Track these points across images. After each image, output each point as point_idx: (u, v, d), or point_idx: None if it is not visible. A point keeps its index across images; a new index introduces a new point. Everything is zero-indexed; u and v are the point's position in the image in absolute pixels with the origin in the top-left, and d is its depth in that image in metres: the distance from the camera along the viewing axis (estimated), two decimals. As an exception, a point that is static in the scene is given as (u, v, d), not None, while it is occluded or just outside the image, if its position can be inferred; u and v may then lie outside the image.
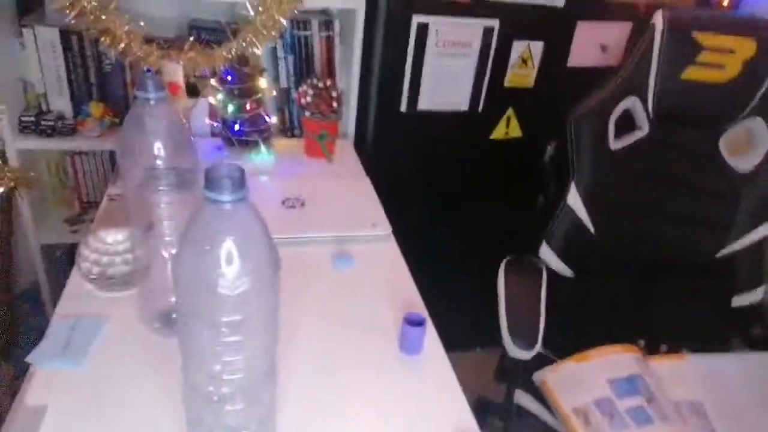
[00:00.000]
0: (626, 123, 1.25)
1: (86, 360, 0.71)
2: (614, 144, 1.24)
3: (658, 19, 1.15)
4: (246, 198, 0.47)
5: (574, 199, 1.24)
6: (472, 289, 1.51)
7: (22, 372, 1.40)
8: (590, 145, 1.23)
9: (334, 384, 0.72)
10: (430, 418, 0.68)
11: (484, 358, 1.34)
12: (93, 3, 1.16)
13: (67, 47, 1.37)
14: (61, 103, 1.43)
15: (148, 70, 0.68)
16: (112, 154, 1.54)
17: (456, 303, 1.58)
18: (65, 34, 1.36)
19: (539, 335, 1.04)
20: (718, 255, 1.22)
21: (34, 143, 1.37)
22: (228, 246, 0.46)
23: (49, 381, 0.67)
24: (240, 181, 0.46)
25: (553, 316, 1.08)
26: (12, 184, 1.34)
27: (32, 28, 1.34)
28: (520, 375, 1.11)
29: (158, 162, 0.69)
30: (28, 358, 0.70)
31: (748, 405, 1.02)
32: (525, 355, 1.02)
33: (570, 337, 1.11)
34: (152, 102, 0.66)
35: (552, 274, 1.23)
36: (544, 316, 1.07)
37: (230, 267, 0.46)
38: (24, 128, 1.37)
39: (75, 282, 0.84)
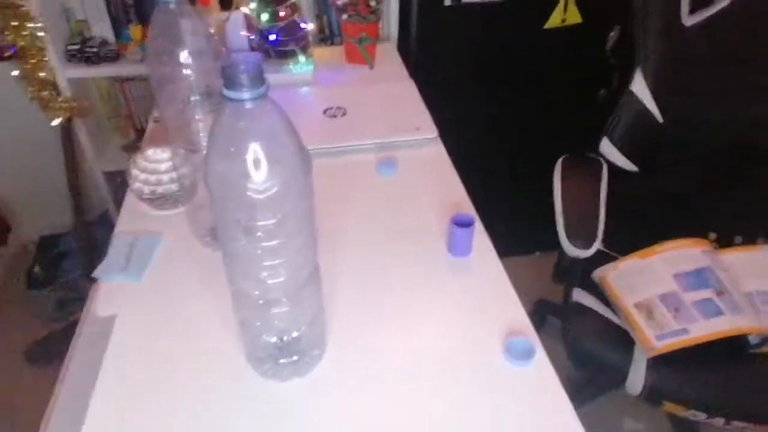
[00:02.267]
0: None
1: (146, 274, 0.74)
2: (688, 19, 1.10)
3: None
4: (266, 94, 0.44)
5: (639, 85, 1.12)
6: (527, 192, 1.45)
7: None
8: (661, 21, 1.09)
9: (383, 287, 0.72)
10: (483, 318, 0.67)
11: (543, 262, 1.31)
12: None
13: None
14: (102, 28, 1.43)
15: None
16: (157, 78, 1.54)
17: (511, 208, 1.54)
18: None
19: (598, 232, 0.99)
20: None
21: (82, 71, 1.39)
22: (253, 147, 0.44)
23: (115, 294, 0.71)
24: (258, 76, 0.43)
25: (616, 213, 1.02)
26: (68, 114, 1.39)
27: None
28: (578, 273, 1.07)
29: (187, 72, 0.66)
30: (95, 273, 0.74)
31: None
32: (583, 253, 0.98)
33: (634, 235, 1.05)
34: (172, 5, 0.63)
35: (614, 169, 1.15)
36: (604, 213, 1.02)
37: (257, 168, 0.45)
38: (71, 57, 1.38)
39: (129, 202, 0.87)
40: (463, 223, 0.75)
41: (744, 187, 1.12)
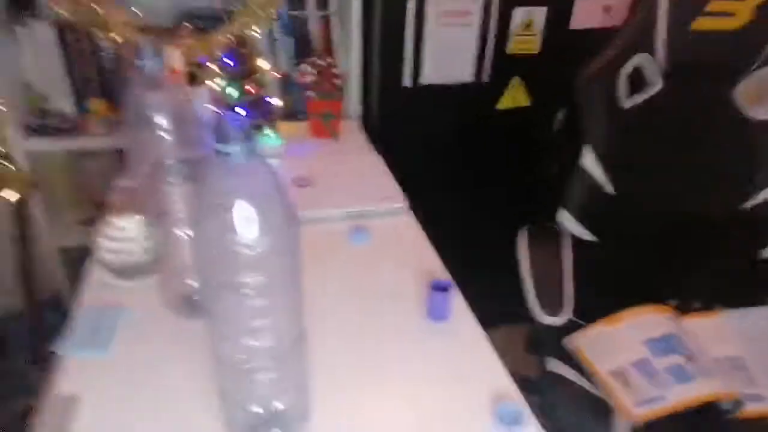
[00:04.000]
0: (638, 80, 1.22)
1: (113, 347, 0.70)
2: (627, 102, 1.21)
3: (664, -29, 1.12)
4: (255, 150, 0.45)
5: (589, 161, 1.21)
6: (488, 263, 1.49)
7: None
8: (602, 105, 1.20)
9: (365, 354, 0.71)
10: (466, 383, 0.67)
11: (509, 335, 1.32)
12: (86, -5, 1.15)
13: (63, 43, 1.36)
14: (63, 102, 1.42)
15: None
16: (120, 152, 1.52)
17: (473, 279, 1.56)
18: (61, 31, 1.34)
19: (568, 300, 1.02)
20: (742, 207, 1.19)
21: (40, 145, 1.36)
22: (243, 202, 0.45)
23: (79, 370, 0.67)
24: (248, 131, 0.44)
25: (578, 281, 1.06)
26: (23, 188, 1.34)
27: (26, 26, 1.32)
28: (550, 343, 1.09)
29: (162, 135, 0.67)
30: (56, 349, 0.69)
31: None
32: (555, 321, 1.00)
33: (598, 302, 1.09)
34: (151, 70, 0.64)
35: (573, 238, 1.21)
36: (571, 281, 1.06)
37: (246, 223, 0.45)
38: (29, 130, 1.36)
39: (94, 273, 0.83)
40: (442, 288, 0.76)
41: (697, 255, 1.19)
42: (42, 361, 1.53)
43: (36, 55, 1.35)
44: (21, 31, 1.33)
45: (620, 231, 1.22)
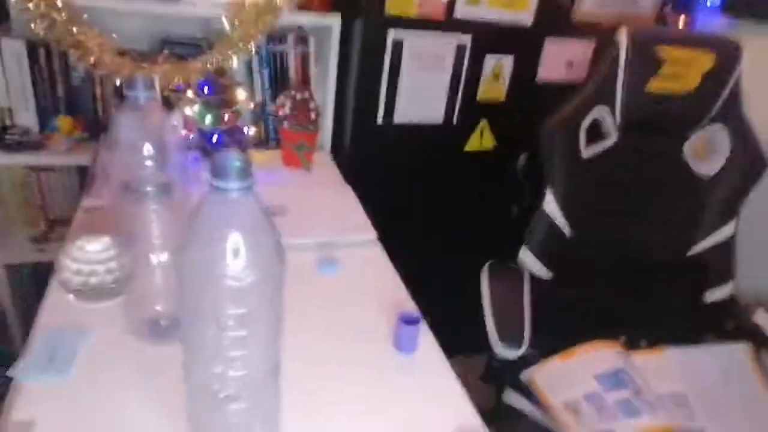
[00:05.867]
0: (596, 132, 1.30)
1: (73, 371, 0.68)
2: (585, 152, 1.29)
3: (623, 36, 1.22)
4: (252, 186, 0.47)
5: (550, 204, 1.27)
6: (450, 296, 1.52)
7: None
8: (563, 153, 1.27)
9: (332, 385, 0.71)
10: (432, 415, 0.68)
11: (467, 365, 1.34)
12: (63, 15, 1.14)
13: (33, 60, 1.34)
14: (26, 117, 1.39)
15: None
16: (80, 170, 1.49)
17: (434, 310, 1.59)
18: (32, 47, 1.33)
19: (525, 334, 1.06)
20: (689, 253, 1.28)
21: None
22: (235, 235, 0.46)
23: (36, 395, 0.64)
24: (246, 169, 0.46)
25: (536, 316, 1.10)
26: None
27: (-3, 41, 1.30)
28: (507, 375, 1.12)
29: (146, 163, 0.67)
30: (11, 373, 0.66)
31: (726, 394, 1.06)
32: (513, 354, 1.03)
33: (554, 337, 1.13)
34: (142, 101, 0.65)
35: (532, 275, 1.26)
36: (529, 316, 1.09)
37: (238, 257, 0.46)
38: (-12, 143, 1.32)
39: (54, 294, 0.81)
40: (410, 321, 0.78)
41: (643, 295, 1.26)
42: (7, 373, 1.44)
43: (3, 70, 1.33)
44: (-10, 44, 1.30)
45: (576, 270, 1.28)
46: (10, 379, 0.66)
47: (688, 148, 1.28)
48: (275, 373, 0.56)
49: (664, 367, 1.09)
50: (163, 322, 0.75)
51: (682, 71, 1.21)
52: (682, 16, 1.60)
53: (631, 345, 1.15)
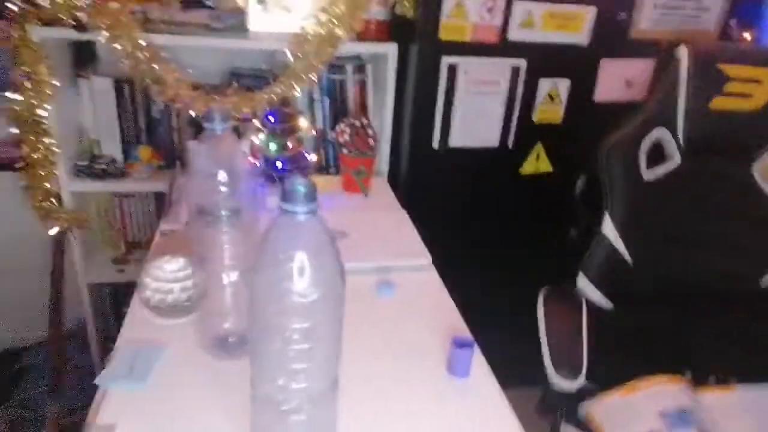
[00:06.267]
0: (658, 154, 1.27)
1: (149, 382, 0.74)
2: (647, 174, 1.26)
3: (684, 53, 1.19)
4: (317, 210, 0.50)
5: (609, 229, 1.25)
6: (507, 323, 1.50)
7: (68, 411, 1.43)
8: (623, 175, 1.25)
9: (386, 403, 0.73)
10: (484, 438, 0.69)
11: (520, 397, 1.33)
12: (146, 53, 1.26)
13: (119, 95, 1.47)
14: (112, 147, 1.52)
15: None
16: (157, 196, 1.61)
17: (489, 339, 1.57)
18: (118, 83, 1.46)
19: (583, 365, 1.03)
20: (762, 281, 1.21)
21: (87, 186, 1.45)
22: (301, 255, 0.50)
23: (116, 403, 0.70)
24: (312, 194, 0.50)
25: (594, 347, 1.08)
26: (66, 224, 1.42)
27: (88, 78, 1.44)
28: (564, 408, 1.09)
29: (220, 189, 0.73)
30: (97, 381, 0.73)
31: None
32: (570, 385, 1.01)
33: (613, 369, 1.10)
34: (218, 132, 0.71)
35: (590, 303, 1.23)
36: (587, 347, 1.07)
37: (304, 275, 0.50)
38: (78, 172, 1.45)
39: (135, 310, 0.88)
40: (464, 344, 0.79)
41: (712, 327, 1.20)
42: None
43: (94, 105, 1.46)
44: (83, 82, 1.44)
45: (636, 299, 1.24)
46: (89, 389, 0.73)
47: (758, 169, 1.23)
48: (334, 387, 0.59)
49: (735, 405, 1.03)
50: (231, 338, 0.81)
51: (748, 88, 1.17)
52: (749, 31, 1.54)
53: (699, 381, 1.10)
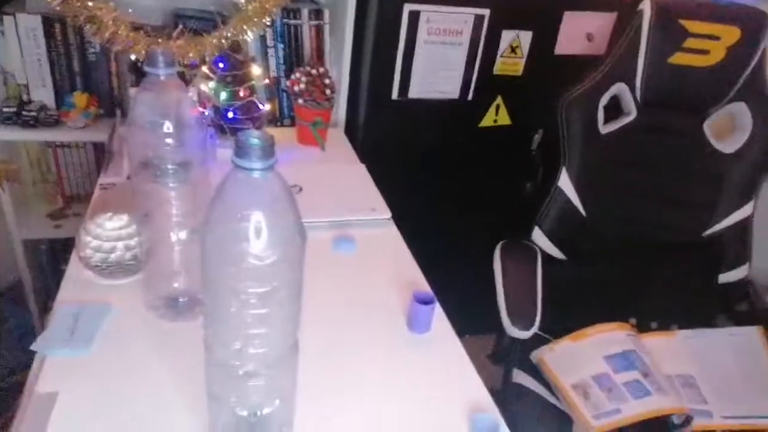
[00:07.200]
0: (615, 108, 1.28)
1: (93, 346, 0.69)
2: (603, 129, 1.26)
3: (647, 7, 1.18)
4: (275, 166, 0.46)
5: (565, 183, 1.26)
6: (462, 275, 1.52)
7: (8, 371, 1.36)
8: (581, 130, 1.25)
9: (346, 362, 0.72)
10: (445, 396, 0.69)
11: (475, 345, 1.36)
12: (79, -11, 1.13)
13: (49, 35, 1.33)
14: (43, 93, 1.39)
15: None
16: (96, 146, 1.50)
17: (445, 289, 1.59)
18: (47, 22, 1.32)
19: (537, 316, 1.06)
20: (705, 234, 1.26)
21: (16, 134, 1.33)
22: (258, 215, 0.46)
23: (58, 369, 0.66)
24: (269, 149, 0.45)
25: (547, 297, 1.10)
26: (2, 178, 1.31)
27: (13, 16, 1.30)
28: (517, 355, 1.12)
29: (167, 141, 0.67)
30: (34, 347, 0.68)
31: (736, 377, 1.06)
32: (524, 334, 1.03)
33: (564, 317, 1.13)
34: (162, 78, 0.65)
35: (544, 255, 1.25)
36: (541, 297, 1.09)
37: (261, 237, 0.46)
38: (5, 120, 1.33)
39: (74, 270, 0.82)
40: (425, 301, 0.78)
41: (657, 276, 1.25)
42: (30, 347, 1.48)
43: (20, 45, 1.33)
44: (7, 20, 1.30)
45: (589, 251, 1.27)
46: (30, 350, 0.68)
47: (710, 126, 1.25)
48: (294, 351, 0.57)
49: (675, 349, 1.09)
50: (181, 299, 0.77)
51: (707, 45, 1.18)
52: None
53: (642, 327, 1.15)
